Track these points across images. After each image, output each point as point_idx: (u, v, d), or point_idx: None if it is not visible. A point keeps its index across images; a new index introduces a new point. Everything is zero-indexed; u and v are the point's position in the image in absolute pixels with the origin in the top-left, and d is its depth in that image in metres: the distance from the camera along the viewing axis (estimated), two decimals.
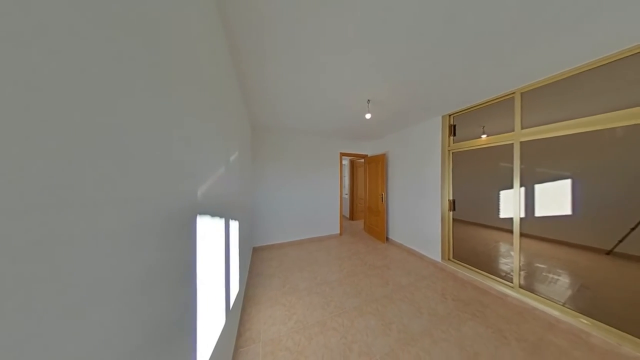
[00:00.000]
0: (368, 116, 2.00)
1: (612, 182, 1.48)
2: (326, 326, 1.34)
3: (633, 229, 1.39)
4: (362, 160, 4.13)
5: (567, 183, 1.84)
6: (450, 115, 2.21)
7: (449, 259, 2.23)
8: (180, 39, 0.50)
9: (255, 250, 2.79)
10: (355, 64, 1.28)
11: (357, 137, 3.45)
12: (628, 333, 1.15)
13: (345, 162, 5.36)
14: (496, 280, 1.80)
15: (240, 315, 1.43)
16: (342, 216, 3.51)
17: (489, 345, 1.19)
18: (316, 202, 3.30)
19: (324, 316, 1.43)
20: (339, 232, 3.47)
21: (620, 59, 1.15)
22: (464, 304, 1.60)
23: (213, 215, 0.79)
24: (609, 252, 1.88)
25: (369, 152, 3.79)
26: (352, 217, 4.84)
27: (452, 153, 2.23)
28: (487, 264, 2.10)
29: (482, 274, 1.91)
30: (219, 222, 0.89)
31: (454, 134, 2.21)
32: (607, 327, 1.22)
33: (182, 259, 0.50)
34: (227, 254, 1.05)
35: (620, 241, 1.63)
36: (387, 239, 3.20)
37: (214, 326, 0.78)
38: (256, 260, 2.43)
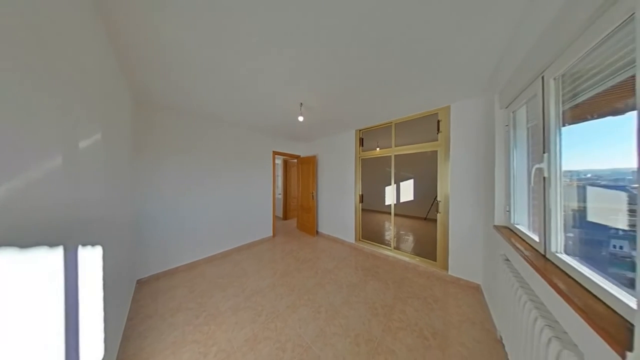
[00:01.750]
0: (301, 119, 2.12)
1: (425, 180, 2.88)
2: (257, 339, 1.25)
3: (431, 205, 2.69)
4: (296, 160, 4.29)
5: (411, 181, 3.29)
6: (360, 130, 2.92)
7: (359, 240, 2.94)
8: None
9: (143, 283, 1.95)
10: (288, 65, 1.31)
11: (291, 137, 3.52)
12: (429, 259, 2.18)
13: (279, 161, 5.26)
14: (383, 247, 2.65)
15: None
16: (275, 217, 3.42)
17: (380, 293, 1.74)
18: (245, 204, 2.95)
19: (255, 330, 1.33)
20: (272, 234, 3.34)
21: (425, 115, 2.16)
22: (367, 270, 2.19)
23: (26, 245, 0.45)
24: (424, 218, 3.59)
25: (302, 153, 4.01)
26: (285, 216, 4.86)
27: (361, 159, 2.96)
28: (379, 237, 3.05)
29: (377, 245, 2.73)
30: (48, 256, 0.53)
31: (362, 145, 2.95)
32: (424, 259, 2.23)
33: None
34: (71, 307, 0.65)
35: (428, 212, 3.17)
36: (317, 232, 3.58)
37: None
38: (145, 297, 1.71)
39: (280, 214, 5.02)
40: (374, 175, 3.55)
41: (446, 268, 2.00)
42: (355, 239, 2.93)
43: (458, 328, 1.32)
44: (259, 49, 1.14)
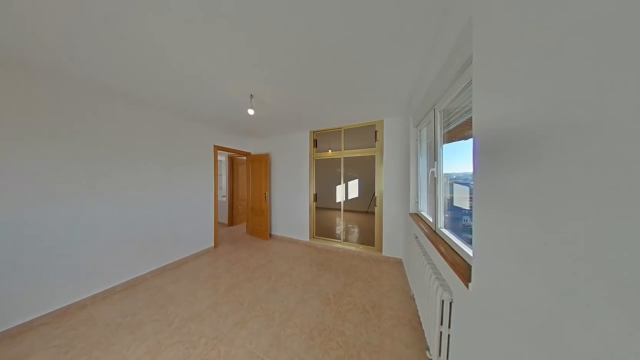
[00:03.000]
0: (251, 112, 1.91)
1: (367, 180, 3.45)
2: None
3: (371, 200, 3.23)
4: (245, 157, 3.82)
5: (357, 180, 3.84)
6: (314, 132, 3.03)
7: (313, 237, 3.05)
8: None
9: None
10: (236, 50, 1.15)
11: (239, 131, 3.10)
12: (369, 245, 2.63)
13: (223, 158, 4.51)
14: (334, 241, 2.90)
15: None
16: (217, 224, 2.90)
17: (332, 283, 1.89)
18: (173, 212, 2.31)
19: None
20: (213, 244, 2.82)
21: (366, 125, 2.58)
22: (320, 264, 2.32)
23: None
24: (366, 212, 4.26)
25: (253, 150, 3.65)
26: (231, 222, 4.24)
27: (315, 160, 3.09)
28: (331, 232, 3.31)
29: (329, 240, 2.95)
30: None
31: (316, 146, 3.09)
32: (366, 246, 2.65)
33: None
34: None
35: (369, 206, 3.80)
36: (271, 235, 3.39)
37: None
38: None
39: (224, 219, 4.31)
40: (326, 175, 3.82)
41: (381, 250, 2.48)
42: (310, 237, 3.03)
43: (388, 296, 1.67)
44: (193, 14, 0.92)
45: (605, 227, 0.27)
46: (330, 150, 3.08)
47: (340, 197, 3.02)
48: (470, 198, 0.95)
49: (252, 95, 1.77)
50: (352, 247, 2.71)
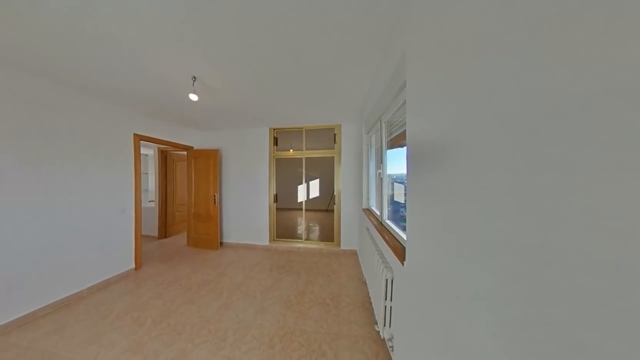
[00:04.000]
0: (194, 98, 1.59)
1: (327, 179, 3.65)
2: None
3: (330, 199, 3.44)
4: (185, 152, 3.11)
5: (317, 180, 3.98)
6: (274, 129, 2.89)
7: (273, 240, 2.90)
8: None
9: None
10: (163, 11, 0.92)
11: (177, 120, 2.51)
12: (329, 241, 2.79)
13: (150, 151, 3.51)
14: (296, 241, 2.88)
15: None
16: (140, 238, 2.23)
17: (293, 284, 1.87)
18: (52, 228, 1.58)
19: None
20: (133, 265, 2.14)
21: (327, 128, 2.74)
22: (281, 267, 2.24)
23: None
24: (326, 210, 4.49)
25: (196, 144, 3.04)
26: (164, 234, 3.37)
27: (275, 159, 2.95)
28: (292, 233, 3.27)
29: (290, 241, 2.89)
30: None
31: (277, 145, 2.95)
32: (326, 242, 2.79)
33: None
34: None
35: (328, 205, 4.02)
36: (222, 244, 2.94)
37: None
38: None
39: (153, 231, 3.36)
40: (287, 175, 3.74)
41: (339, 245, 2.68)
42: (270, 240, 2.86)
43: (346, 285, 1.84)
44: None
45: (476, 212, 0.41)
46: (291, 150, 3.03)
47: (301, 196, 3.03)
48: (405, 194, 1.20)
49: (194, 78, 1.47)
50: (314, 245, 2.78)
